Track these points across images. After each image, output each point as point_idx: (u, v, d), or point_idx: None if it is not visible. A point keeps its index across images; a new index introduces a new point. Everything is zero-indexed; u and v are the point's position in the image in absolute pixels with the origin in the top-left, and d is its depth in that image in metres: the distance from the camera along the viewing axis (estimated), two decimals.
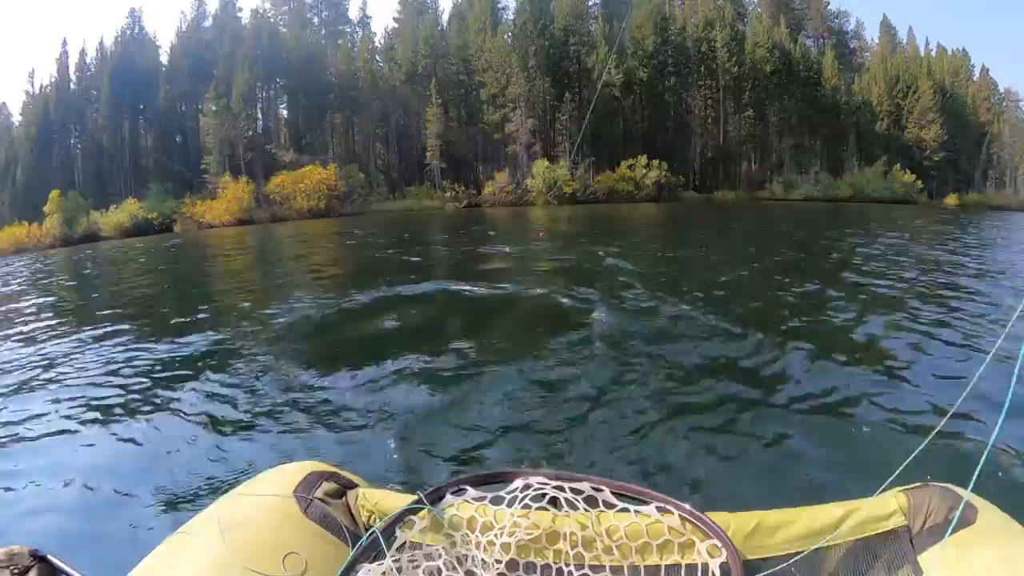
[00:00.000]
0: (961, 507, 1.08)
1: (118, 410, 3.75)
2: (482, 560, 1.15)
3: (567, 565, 1.14)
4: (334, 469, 1.36)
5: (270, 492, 1.22)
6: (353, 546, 1.13)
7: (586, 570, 1.13)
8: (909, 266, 9.45)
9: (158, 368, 4.67)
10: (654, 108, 40.17)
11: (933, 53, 55.37)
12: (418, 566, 1.14)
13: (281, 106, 49.65)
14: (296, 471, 1.30)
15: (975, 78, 58.00)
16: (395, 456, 2.81)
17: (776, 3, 46.23)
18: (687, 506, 1.11)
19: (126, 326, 6.55)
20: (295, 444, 3.05)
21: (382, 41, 50.27)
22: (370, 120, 44.49)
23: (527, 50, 41.95)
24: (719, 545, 1.05)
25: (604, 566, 1.13)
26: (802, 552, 1.10)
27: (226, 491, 1.30)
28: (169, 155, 43.94)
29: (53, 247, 32.44)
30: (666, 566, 1.11)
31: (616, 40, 40.95)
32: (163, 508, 2.47)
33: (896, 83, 48.29)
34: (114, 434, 3.36)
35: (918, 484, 1.19)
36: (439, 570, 1.15)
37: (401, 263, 11.57)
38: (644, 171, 38.19)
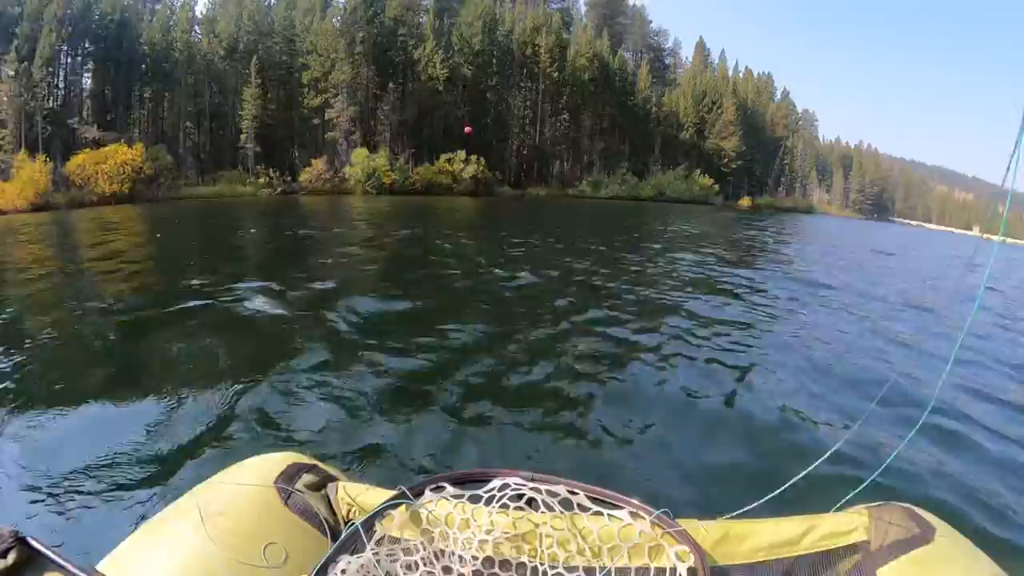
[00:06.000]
0: (916, 525, 1.12)
1: None
2: (459, 556, 1.17)
3: (542, 564, 1.16)
4: (314, 462, 1.35)
5: (251, 481, 1.22)
6: (332, 539, 1.15)
7: (560, 569, 1.16)
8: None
9: None
10: (475, 105, 41.82)
11: (741, 75, 63.76)
12: (396, 560, 1.15)
13: (86, 76, 44.48)
14: (277, 461, 1.30)
15: (776, 99, 67.91)
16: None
17: (602, 16, 50.30)
18: (658, 512, 1.13)
19: None
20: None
21: (203, 12, 46.80)
22: (183, 97, 41.37)
23: (355, 36, 41.40)
24: (688, 550, 1.08)
25: (578, 567, 1.16)
26: (766, 561, 1.14)
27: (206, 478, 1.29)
28: None
29: None
30: (636, 568, 1.14)
31: (445, 35, 41.98)
32: None
33: (703, 98, 54.88)
34: None
35: (880, 503, 1.23)
36: (416, 564, 1.16)
37: None
38: (462, 165, 39.68)
